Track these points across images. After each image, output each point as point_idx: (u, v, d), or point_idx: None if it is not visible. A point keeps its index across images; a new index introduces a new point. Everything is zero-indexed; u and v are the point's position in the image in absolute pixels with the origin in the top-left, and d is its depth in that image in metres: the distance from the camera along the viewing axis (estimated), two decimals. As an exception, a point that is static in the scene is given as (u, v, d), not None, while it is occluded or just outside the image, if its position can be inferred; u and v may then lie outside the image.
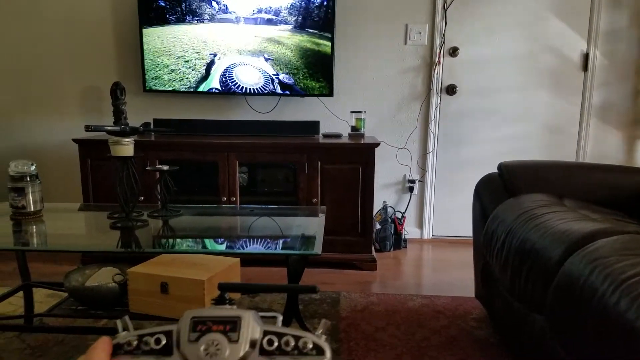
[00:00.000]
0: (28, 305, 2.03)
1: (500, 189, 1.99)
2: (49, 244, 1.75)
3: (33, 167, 1.78)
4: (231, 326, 0.36)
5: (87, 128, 1.55)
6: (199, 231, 1.86)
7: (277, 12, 3.00)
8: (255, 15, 3.02)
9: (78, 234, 1.88)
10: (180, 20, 3.03)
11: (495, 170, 2.09)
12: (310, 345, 0.36)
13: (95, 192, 2.84)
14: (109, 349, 0.36)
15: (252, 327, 0.36)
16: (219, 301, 0.43)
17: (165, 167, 1.84)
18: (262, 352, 0.35)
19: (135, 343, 0.36)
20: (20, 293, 2.02)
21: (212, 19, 3.03)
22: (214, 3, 3.01)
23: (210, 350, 0.34)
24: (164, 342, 0.36)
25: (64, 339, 1.93)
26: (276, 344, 0.36)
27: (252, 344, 0.35)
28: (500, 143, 3.33)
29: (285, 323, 0.38)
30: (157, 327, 0.37)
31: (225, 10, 3.02)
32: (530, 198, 1.76)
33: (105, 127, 1.61)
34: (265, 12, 3.01)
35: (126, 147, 1.63)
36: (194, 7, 3.01)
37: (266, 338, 0.36)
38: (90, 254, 2.80)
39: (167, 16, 3.03)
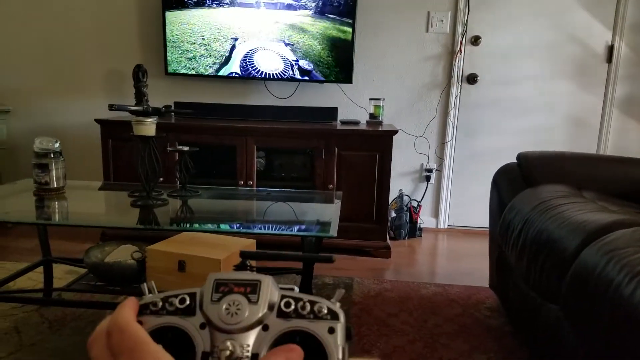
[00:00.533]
0: (47, 280, 2.08)
1: (518, 179, 1.98)
2: (70, 219, 1.79)
3: (57, 145, 1.81)
4: (251, 288, 0.37)
5: (111, 107, 1.58)
6: (216, 212, 1.88)
7: (298, -3, 3.00)
8: (276, 0, 3.02)
9: (99, 211, 1.92)
10: (202, 3, 3.05)
11: (514, 161, 2.08)
12: (325, 310, 0.37)
13: (116, 171, 2.89)
14: (136, 308, 0.37)
15: (271, 291, 0.37)
16: (241, 267, 0.44)
17: (186, 148, 1.86)
18: (280, 314, 0.37)
19: (160, 304, 0.38)
20: (40, 269, 2.07)
21: (232, 3, 3.03)
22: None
23: (231, 310, 0.36)
24: (187, 302, 0.38)
25: (81, 314, 1.98)
26: (293, 307, 0.37)
27: (271, 307, 0.37)
28: (520, 134, 3.30)
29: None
30: (182, 290, 0.39)
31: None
32: (548, 189, 1.76)
33: (129, 107, 1.64)
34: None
35: (148, 127, 1.66)
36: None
37: (283, 301, 0.37)
38: (110, 232, 2.85)
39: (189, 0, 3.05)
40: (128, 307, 0.37)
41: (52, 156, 1.80)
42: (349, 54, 3.05)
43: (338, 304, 0.38)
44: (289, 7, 3.02)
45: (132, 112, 1.68)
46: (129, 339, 0.34)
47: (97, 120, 2.86)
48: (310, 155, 2.90)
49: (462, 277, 2.57)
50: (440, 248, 3.10)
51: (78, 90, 3.42)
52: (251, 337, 0.35)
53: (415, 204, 3.31)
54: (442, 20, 3.19)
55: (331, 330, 0.36)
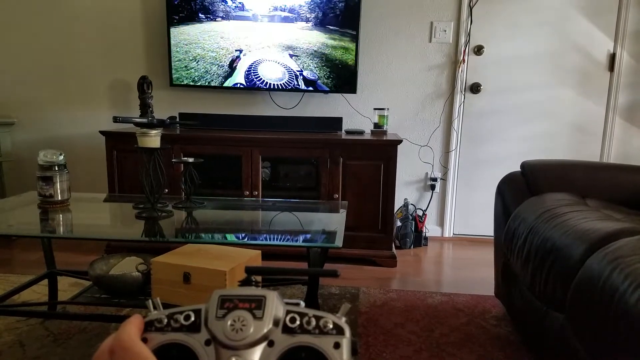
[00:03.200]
0: (52, 293, 2.08)
1: (522, 187, 1.97)
2: (74, 232, 1.80)
3: (62, 157, 1.83)
4: (256, 304, 0.37)
5: (116, 119, 1.59)
6: (222, 223, 1.89)
7: (297, 9, 3.02)
8: (276, 13, 3.04)
9: (103, 223, 1.93)
10: (206, 18, 3.07)
11: (518, 169, 2.07)
12: (331, 325, 0.37)
13: (121, 183, 2.90)
14: (141, 325, 0.38)
15: (276, 306, 0.38)
16: (245, 283, 0.45)
17: (191, 160, 1.87)
18: (285, 329, 0.37)
19: (165, 321, 0.38)
20: (45, 282, 2.07)
21: (237, 16, 3.05)
22: (230, 2, 3.04)
23: (236, 326, 0.36)
24: (192, 318, 0.38)
25: (86, 327, 1.98)
26: (298, 322, 0.37)
27: (276, 322, 0.37)
28: (524, 142, 3.30)
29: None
30: (187, 307, 0.39)
31: (242, 7, 3.05)
32: (552, 197, 1.75)
33: (133, 119, 1.65)
34: (288, 12, 3.03)
35: (153, 139, 1.67)
36: (218, 4, 3.05)
37: (289, 316, 0.37)
38: (114, 244, 2.86)
39: (194, 14, 3.07)
40: (132, 325, 0.37)
41: (57, 169, 1.81)
42: (353, 65, 3.07)
43: (344, 319, 0.38)
44: (294, 19, 3.04)
45: (137, 124, 1.69)
46: (132, 358, 0.34)
47: (101, 132, 2.88)
48: (315, 165, 2.90)
49: (468, 285, 2.56)
50: (446, 257, 3.09)
51: (83, 102, 3.45)
52: (257, 353, 0.35)
53: (420, 212, 3.30)
54: (445, 31, 3.21)
55: (337, 346, 0.36)
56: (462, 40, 3.19)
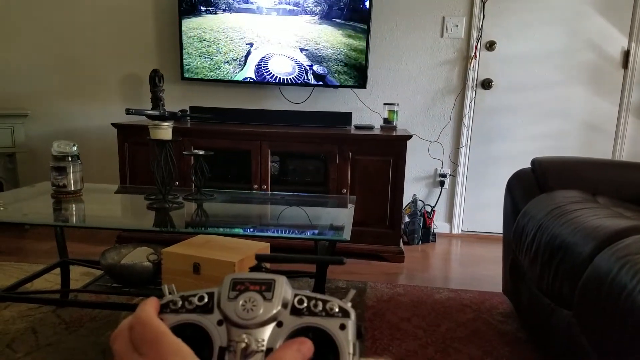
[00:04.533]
0: (64, 282, 2.11)
1: (532, 184, 1.97)
2: (87, 221, 1.82)
3: (75, 148, 1.85)
4: (266, 287, 0.39)
5: (128, 111, 1.60)
6: (231, 215, 1.91)
7: (315, 3, 3.02)
8: (291, 7, 3.04)
9: (115, 213, 1.95)
10: (219, 10, 3.08)
11: (528, 166, 2.07)
12: (337, 309, 0.38)
13: (132, 175, 2.93)
14: (157, 307, 0.39)
15: (285, 289, 0.39)
16: (256, 269, 0.46)
17: (201, 152, 1.89)
18: (293, 311, 0.38)
19: (180, 303, 0.40)
20: (57, 271, 2.10)
21: (248, 9, 3.07)
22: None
23: (247, 306, 0.37)
24: (206, 300, 0.39)
25: (96, 315, 2.01)
26: (305, 305, 0.38)
27: (285, 304, 0.38)
28: (535, 140, 3.28)
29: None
30: (201, 290, 0.40)
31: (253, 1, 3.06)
32: (562, 194, 1.75)
33: (146, 111, 1.66)
34: (293, 5, 3.03)
35: (165, 131, 1.68)
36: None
37: (297, 299, 0.39)
38: (126, 235, 2.89)
39: (206, 7, 3.09)
40: (150, 305, 0.38)
41: (70, 159, 1.83)
42: (364, 59, 3.07)
43: (349, 303, 0.39)
44: (305, 13, 3.04)
45: (149, 117, 1.71)
46: (151, 332, 0.35)
47: (114, 124, 2.91)
48: (324, 159, 2.91)
49: (476, 282, 2.56)
50: (454, 253, 3.09)
51: (95, 95, 3.48)
52: (266, 333, 0.37)
53: (429, 209, 3.30)
54: (456, 26, 3.19)
55: (342, 327, 0.37)
56: (474, 35, 3.18)
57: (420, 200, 3.28)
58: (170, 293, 0.41)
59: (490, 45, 3.21)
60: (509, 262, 2.02)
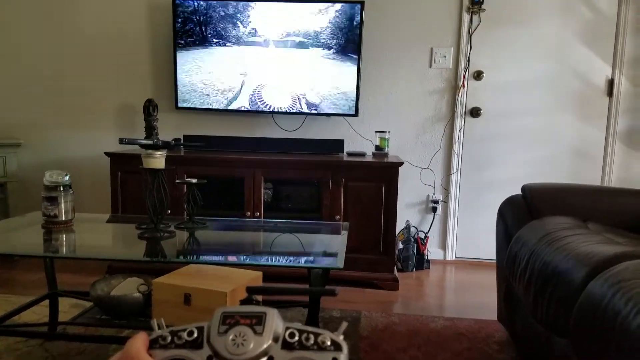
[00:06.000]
0: (53, 314, 2.07)
1: (523, 210, 1.98)
2: (77, 252, 1.80)
3: (67, 178, 1.84)
4: (257, 320, 0.38)
5: (121, 140, 1.61)
6: (223, 244, 1.89)
7: (305, 36, 3.07)
8: (285, 39, 3.09)
9: (106, 243, 1.93)
10: (212, 42, 3.12)
11: (519, 192, 2.08)
12: (329, 342, 0.38)
13: (124, 204, 2.91)
14: (146, 342, 0.39)
15: (276, 322, 0.38)
16: (247, 302, 0.46)
17: (194, 181, 1.89)
18: (284, 345, 0.38)
19: (169, 338, 0.39)
20: (45, 303, 2.06)
21: (240, 41, 3.11)
22: (241, 27, 3.09)
23: (237, 341, 0.37)
24: (195, 335, 0.39)
25: (85, 348, 1.96)
26: (297, 338, 0.38)
27: (276, 338, 0.38)
28: (524, 166, 3.31)
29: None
30: (191, 324, 0.40)
31: (254, 33, 3.10)
32: (553, 220, 1.76)
33: (139, 140, 1.67)
34: (294, 35, 3.08)
35: (158, 160, 1.68)
36: (223, 30, 3.10)
37: (288, 332, 0.38)
38: (116, 265, 2.85)
39: (200, 39, 3.13)
40: (139, 340, 0.38)
41: (62, 189, 1.82)
42: (355, 89, 3.10)
43: (341, 336, 0.39)
44: (297, 45, 3.09)
45: (142, 146, 1.71)
46: None
47: (106, 154, 2.91)
48: (317, 186, 2.92)
49: (471, 310, 2.54)
50: (448, 280, 3.07)
51: (89, 124, 3.48)
52: None
53: (422, 235, 3.30)
54: (444, 56, 3.25)
55: None
56: (462, 65, 3.23)
57: (413, 226, 3.28)
58: (159, 328, 0.41)
59: (478, 75, 3.26)
60: (503, 290, 2.01)
